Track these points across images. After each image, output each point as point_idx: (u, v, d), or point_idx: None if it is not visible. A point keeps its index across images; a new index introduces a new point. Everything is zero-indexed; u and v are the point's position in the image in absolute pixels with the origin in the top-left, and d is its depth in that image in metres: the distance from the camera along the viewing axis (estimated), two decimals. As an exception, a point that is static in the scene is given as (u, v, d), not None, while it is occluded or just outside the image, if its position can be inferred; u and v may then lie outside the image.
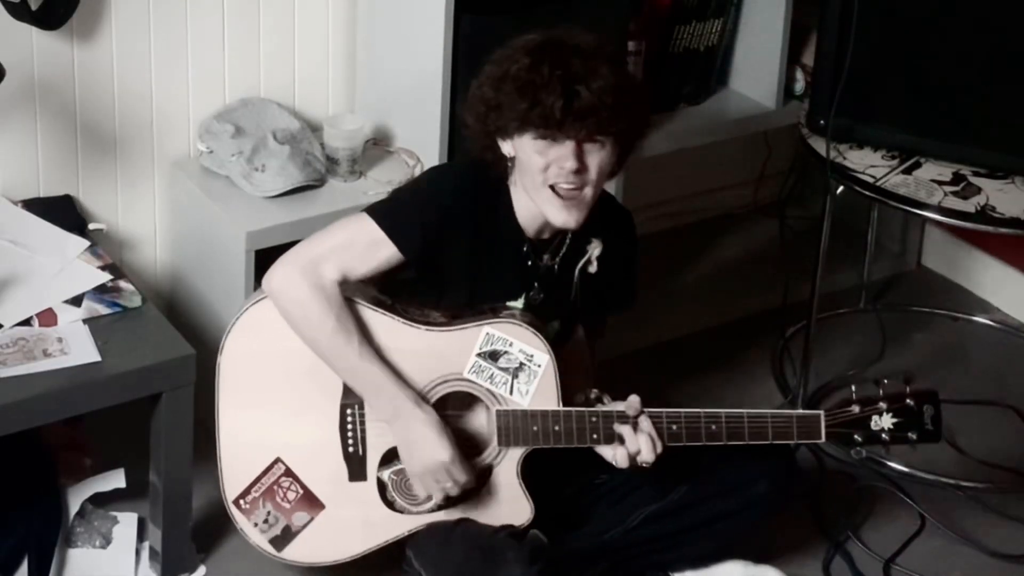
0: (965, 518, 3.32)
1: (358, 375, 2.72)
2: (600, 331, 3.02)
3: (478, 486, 2.80)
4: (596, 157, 2.68)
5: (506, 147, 2.73)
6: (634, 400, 2.77)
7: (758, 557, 3.04)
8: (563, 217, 2.72)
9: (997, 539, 3.28)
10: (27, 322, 2.85)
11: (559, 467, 2.89)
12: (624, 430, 2.75)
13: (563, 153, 2.66)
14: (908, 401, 2.79)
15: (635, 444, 2.74)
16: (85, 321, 2.86)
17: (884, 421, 2.80)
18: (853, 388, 2.82)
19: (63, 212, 3.14)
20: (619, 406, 2.78)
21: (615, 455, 2.76)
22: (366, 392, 2.74)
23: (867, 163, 3.39)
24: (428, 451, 2.71)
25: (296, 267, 2.70)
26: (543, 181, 2.68)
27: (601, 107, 2.63)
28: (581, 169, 2.67)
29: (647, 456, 2.74)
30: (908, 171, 3.37)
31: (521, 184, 2.74)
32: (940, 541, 3.26)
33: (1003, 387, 3.77)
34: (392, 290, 2.81)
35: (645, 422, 2.75)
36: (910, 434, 2.80)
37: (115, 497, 3.05)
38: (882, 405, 2.79)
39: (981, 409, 3.67)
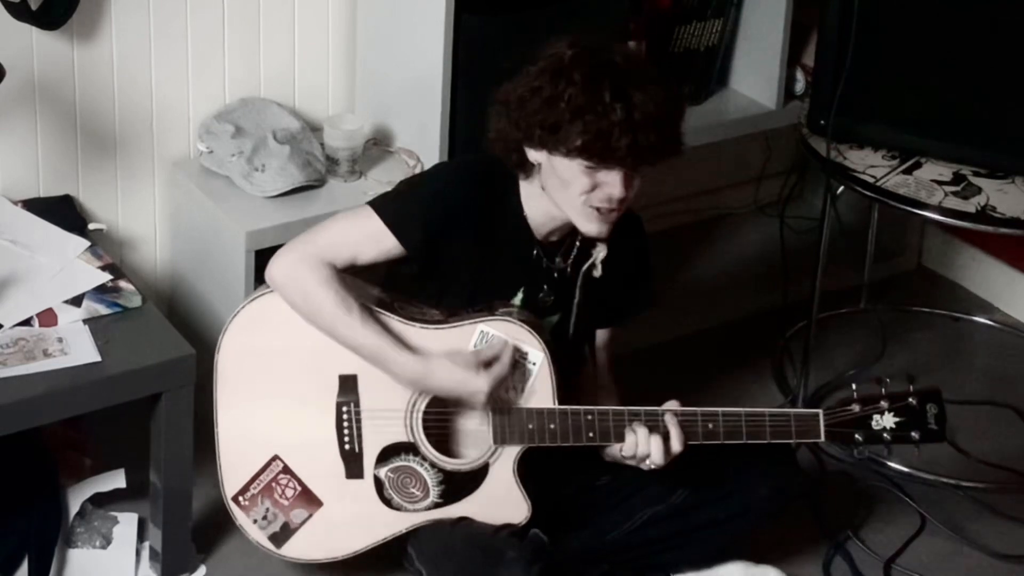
0: (965, 518, 3.32)
1: (365, 348, 2.72)
2: (614, 338, 3.01)
3: (476, 484, 2.80)
4: (639, 178, 2.69)
5: (537, 155, 2.70)
6: (669, 404, 2.77)
7: (758, 557, 3.04)
8: (597, 228, 2.72)
9: (997, 539, 3.28)
10: (27, 322, 2.85)
11: (560, 467, 2.89)
12: (639, 429, 2.74)
13: (612, 179, 2.65)
14: (911, 400, 2.76)
15: (646, 446, 2.73)
16: (85, 321, 2.86)
17: (886, 420, 2.77)
18: (854, 387, 2.79)
19: (63, 212, 3.14)
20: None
21: (622, 450, 2.76)
22: (377, 363, 2.74)
23: (867, 163, 3.39)
24: (468, 393, 2.70)
25: (297, 256, 2.71)
26: (585, 201, 2.68)
27: (661, 141, 2.64)
28: (626, 194, 2.68)
29: (656, 458, 2.73)
30: (908, 171, 3.37)
31: (550, 193, 2.73)
32: (940, 541, 3.27)
33: (1003, 387, 3.77)
34: (394, 286, 2.81)
35: (670, 421, 2.74)
36: (913, 433, 2.77)
37: (115, 497, 3.05)
38: (883, 404, 2.77)
39: (981, 409, 3.67)
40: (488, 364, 2.71)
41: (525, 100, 2.67)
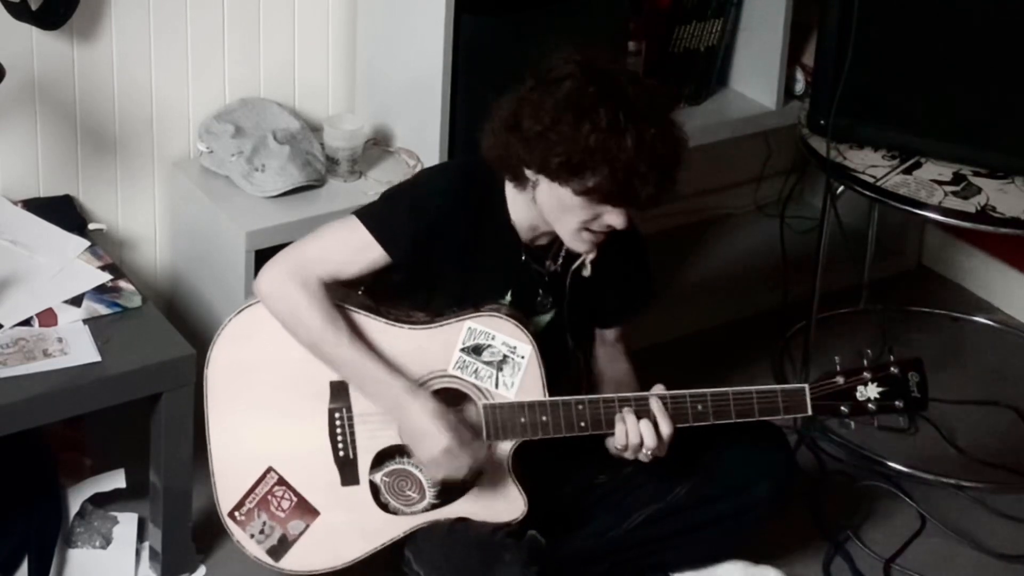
0: (965, 518, 3.32)
1: (351, 369, 2.72)
2: (624, 333, 3.01)
3: (471, 483, 2.79)
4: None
5: (538, 177, 2.69)
6: (656, 388, 2.76)
7: (758, 557, 3.04)
8: (586, 248, 2.73)
9: (997, 539, 3.28)
10: (27, 322, 2.85)
11: (558, 467, 2.89)
12: (628, 417, 2.73)
13: (616, 211, 2.65)
14: (893, 369, 2.76)
15: (636, 433, 2.73)
16: (85, 321, 2.86)
17: (870, 391, 2.77)
18: (837, 360, 2.80)
19: (63, 212, 3.14)
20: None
21: (615, 443, 2.75)
22: (362, 385, 2.74)
23: (867, 163, 3.39)
24: (428, 442, 2.69)
25: (284, 269, 2.71)
26: (579, 226, 2.67)
27: (671, 186, 2.66)
28: (627, 225, 2.68)
29: (650, 443, 2.73)
30: (908, 171, 3.37)
31: (544, 211, 2.71)
32: (940, 541, 3.26)
33: (1003, 387, 3.77)
34: (380, 292, 2.81)
35: (654, 406, 2.74)
36: (897, 402, 2.76)
37: (115, 497, 3.05)
38: (867, 375, 2.76)
39: (981, 409, 3.67)
40: (465, 438, 2.70)
41: (544, 133, 2.62)
